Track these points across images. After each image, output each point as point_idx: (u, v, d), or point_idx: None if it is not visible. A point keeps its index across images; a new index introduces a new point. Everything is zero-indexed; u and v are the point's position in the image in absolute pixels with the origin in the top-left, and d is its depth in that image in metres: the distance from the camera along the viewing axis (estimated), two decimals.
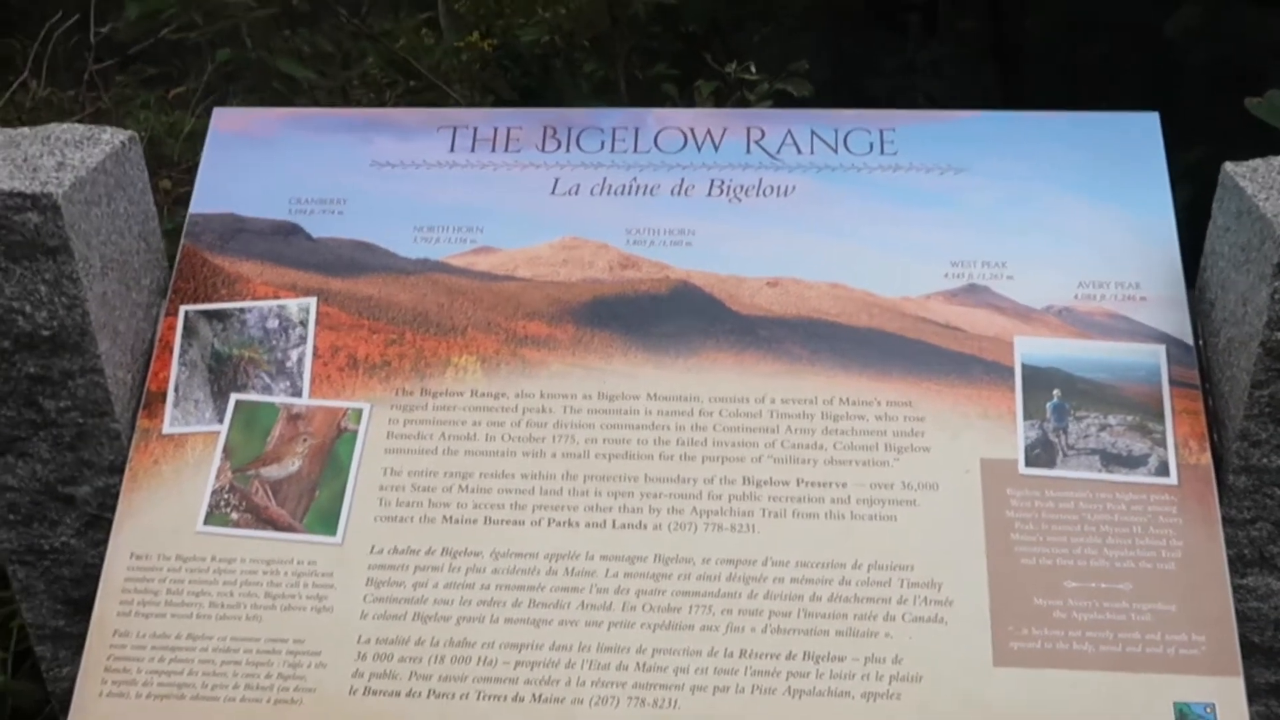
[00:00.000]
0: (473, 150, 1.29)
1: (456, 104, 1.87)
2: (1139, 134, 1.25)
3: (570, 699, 1.06)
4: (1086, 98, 1.48)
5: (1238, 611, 1.14)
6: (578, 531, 1.11)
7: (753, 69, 1.50)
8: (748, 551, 1.10)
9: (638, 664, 1.06)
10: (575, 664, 1.07)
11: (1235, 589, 1.15)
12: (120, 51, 3.41)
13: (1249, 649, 1.19)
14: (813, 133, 1.28)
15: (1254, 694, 1.23)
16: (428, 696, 1.06)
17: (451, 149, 1.30)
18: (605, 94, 1.71)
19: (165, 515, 1.15)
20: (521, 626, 1.08)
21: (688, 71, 1.66)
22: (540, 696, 1.06)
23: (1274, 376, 1.06)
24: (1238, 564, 1.15)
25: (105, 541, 1.18)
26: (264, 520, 1.14)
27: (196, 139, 2.52)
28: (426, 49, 1.90)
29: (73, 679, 1.29)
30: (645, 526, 1.11)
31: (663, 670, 1.06)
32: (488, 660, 1.07)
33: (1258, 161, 1.13)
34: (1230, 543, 1.13)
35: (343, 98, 1.96)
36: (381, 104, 2.12)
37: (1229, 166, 1.13)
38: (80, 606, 1.27)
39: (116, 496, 1.18)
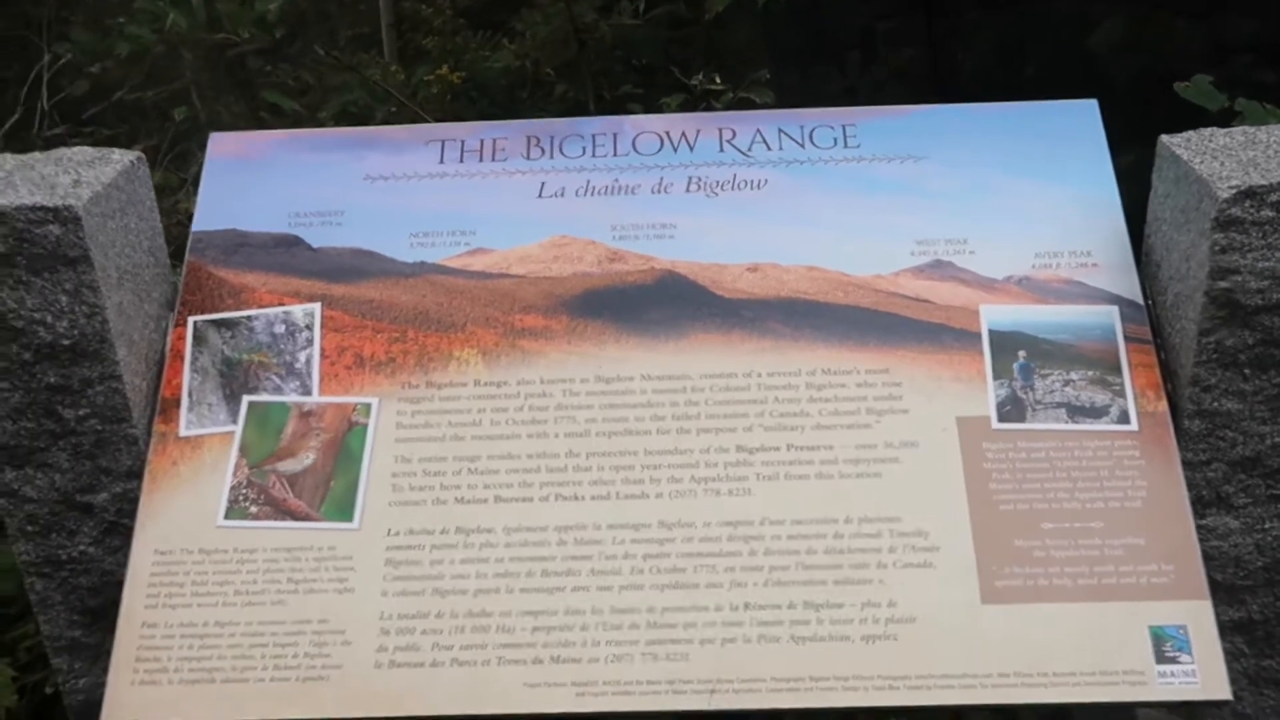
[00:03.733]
0: (461, 161, 1.37)
1: None
2: (1080, 119, 1.36)
3: (587, 659, 1.11)
4: None
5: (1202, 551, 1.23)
6: (584, 504, 1.18)
7: (717, 79, 1.59)
8: (745, 513, 1.16)
9: (648, 622, 1.12)
10: (589, 626, 1.13)
11: (1196, 529, 1.23)
12: (73, 118, 3.47)
13: (1212, 587, 1.27)
14: (780, 130, 1.37)
15: (1220, 631, 1.31)
16: (450, 665, 1.12)
17: (441, 161, 1.37)
18: (575, 115, 1.80)
19: (186, 512, 1.20)
20: (536, 595, 1.14)
21: (650, 91, 1.76)
22: (558, 658, 1.11)
23: (1219, 324, 1.15)
24: (1197, 505, 1.24)
25: (122, 548, 1.23)
26: (283, 511, 1.19)
27: (166, 192, 2.58)
28: (398, 83, 1.98)
29: (89, 690, 1.34)
30: (647, 496, 1.18)
31: (672, 627, 1.12)
32: (506, 628, 1.13)
33: (1190, 133, 1.23)
34: (1189, 485, 1.22)
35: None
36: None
37: (1165, 138, 1.23)
38: (98, 615, 1.30)
39: (134, 502, 1.22)
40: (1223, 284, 1.13)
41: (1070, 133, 1.35)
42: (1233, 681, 1.31)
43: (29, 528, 1.27)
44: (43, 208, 1.12)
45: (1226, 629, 1.30)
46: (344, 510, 1.19)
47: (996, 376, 1.22)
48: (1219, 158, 1.16)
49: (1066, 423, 1.19)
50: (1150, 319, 1.25)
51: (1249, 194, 1.10)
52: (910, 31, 2.76)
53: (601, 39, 1.72)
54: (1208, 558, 1.24)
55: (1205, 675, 1.09)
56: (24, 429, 1.22)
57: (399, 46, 1.94)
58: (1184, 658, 1.09)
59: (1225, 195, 1.10)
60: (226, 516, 1.19)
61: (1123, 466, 1.17)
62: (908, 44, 2.78)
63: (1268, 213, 1.10)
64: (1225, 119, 1.45)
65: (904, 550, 1.14)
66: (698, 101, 1.60)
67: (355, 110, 1.96)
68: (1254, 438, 1.20)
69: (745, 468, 1.18)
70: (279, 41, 2.10)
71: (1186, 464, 1.21)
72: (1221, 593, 1.28)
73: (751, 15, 2.25)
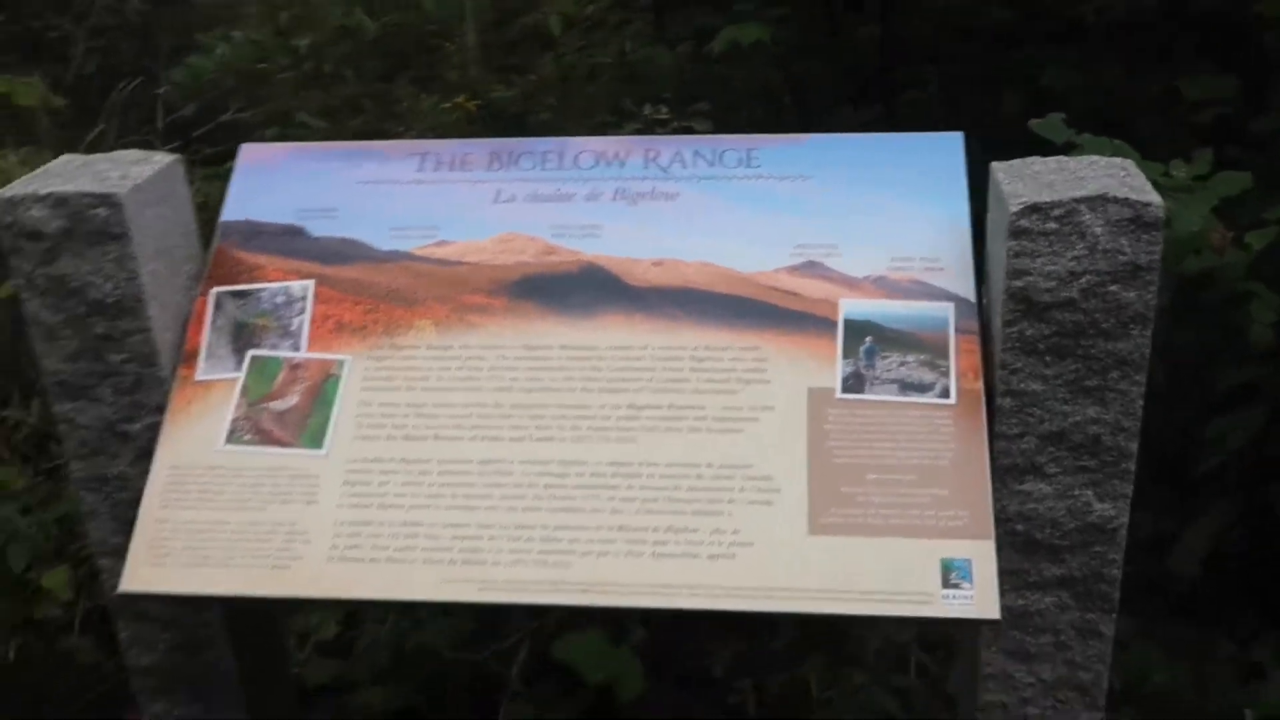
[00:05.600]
0: (435, 170, 1.68)
1: None
2: (946, 150, 1.61)
3: (490, 562, 1.41)
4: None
5: (1021, 514, 1.48)
6: (502, 444, 1.47)
7: (664, 110, 1.89)
8: (628, 456, 1.45)
9: (542, 537, 1.41)
10: (496, 538, 1.42)
11: (1015, 494, 1.48)
12: (184, 134, 3.91)
13: (1034, 546, 1.51)
14: (695, 152, 1.66)
15: (1044, 586, 1.54)
16: (385, 562, 1.42)
17: (420, 169, 1.69)
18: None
19: (196, 438, 1.52)
20: (456, 512, 1.44)
21: (621, 119, 2.06)
22: (469, 561, 1.41)
23: (1019, 317, 1.40)
24: (1014, 472, 1.48)
25: None
26: (270, 440, 1.51)
27: None
28: (420, 110, 2.32)
29: None
30: (553, 440, 1.47)
31: (559, 541, 1.41)
32: (431, 536, 1.43)
33: (1015, 160, 1.49)
34: (1005, 454, 1.46)
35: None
36: None
37: (993, 165, 1.49)
38: (132, 526, 1.64)
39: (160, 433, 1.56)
40: (1018, 283, 1.38)
41: (935, 160, 1.60)
42: (1060, 633, 1.56)
43: (81, 450, 1.61)
44: (94, 194, 1.46)
45: (1051, 583, 1.54)
46: (316, 441, 1.50)
47: (845, 356, 1.48)
48: (1026, 180, 1.42)
49: (897, 395, 1.45)
50: (980, 315, 1.50)
51: (1035, 209, 1.35)
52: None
53: (582, 76, 2.03)
54: (1027, 519, 1.49)
55: (981, 599, 1.34)
56: (79, 369, 1.56)
57: (424, 76, 2.27)
58: (966, 585, 1.35)
59: (1015, 209, 1.35)
60: (227, 442, 1.52)
61: (938, 433, 1.43)
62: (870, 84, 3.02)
63: (1052, 225, 1.35)
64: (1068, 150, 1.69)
65: (751, 490, 1.41)
66: (651, 128, 1.90)
67: (371, 129, 2.30)
68: (1058, 415, 1.44)
69: (633, 421, 1.47)
70: (343, 69, 2.45)
71: (1002, 436, 1.46)
72: (1043, 551, 1.51)
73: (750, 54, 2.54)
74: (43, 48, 4.72)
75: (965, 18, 2.61)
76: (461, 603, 1.40)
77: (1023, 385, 1.44)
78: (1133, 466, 1.46)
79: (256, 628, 1.79)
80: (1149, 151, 1.83)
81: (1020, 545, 1.50)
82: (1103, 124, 2.02)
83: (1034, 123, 1.65)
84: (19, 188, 1.49)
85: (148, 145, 3.52)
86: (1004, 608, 1.52)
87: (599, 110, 2.11)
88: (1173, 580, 2.27)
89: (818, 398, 1.46)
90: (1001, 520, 1.48)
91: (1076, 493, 1.48)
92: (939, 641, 2.20)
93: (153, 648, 1.71)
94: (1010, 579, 1.52)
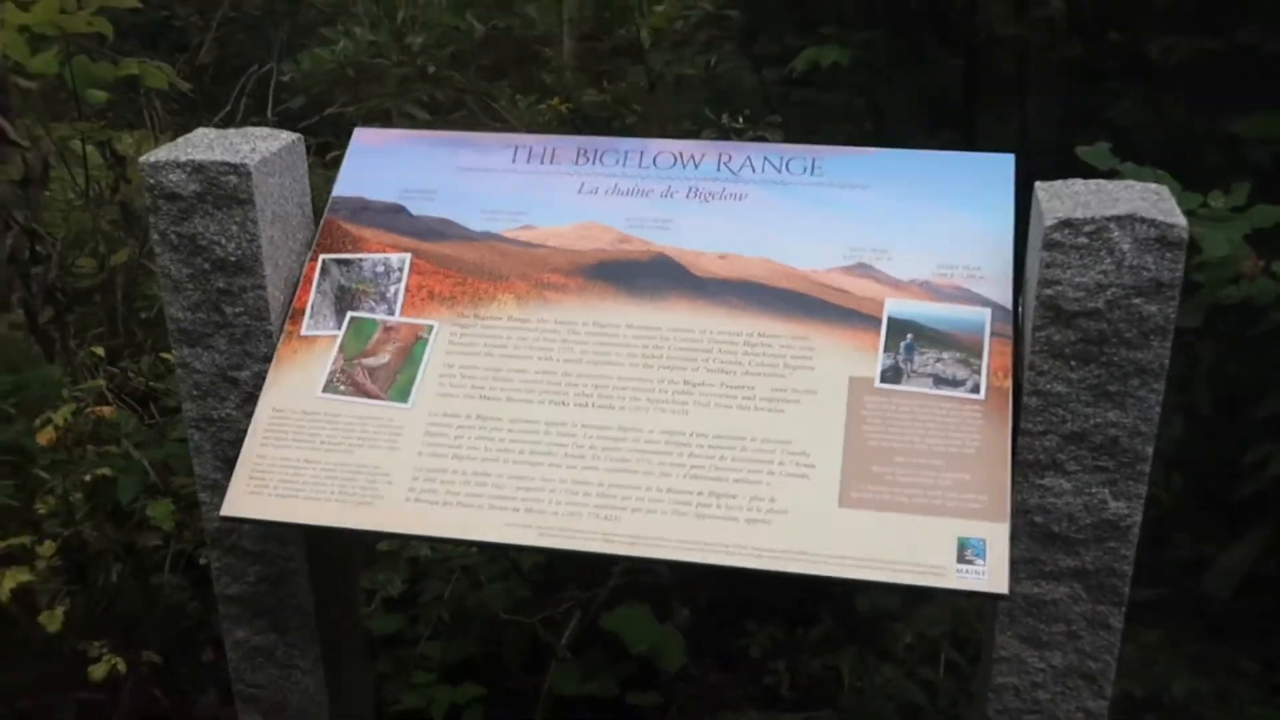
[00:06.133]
0: (527, 162, 1.85)
1: None
2: (997, 169, 1.73)
3: (550, 512, 1.56)
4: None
5: (1040, 506, 1.60)
6: (568, 409, 1.63)
7: (740, 119, 2.03)
8: (681, 427, 1.60)
9: (597, 493, 1.57)
10: (556, 491, 1.58)
11: (1036, 487, 1.60)
12: (291, 125, 4.16)
13: (1051, 538, 1.63)
14: (765, 158, 1.80)
15: (1059, 576, 1.65)
16: (456, 506, 1.59)
17: (513, 161, 1.86)
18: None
19: (297, 386, 1.71)
20: (523, 466, 1.60)
21: (702, 125, 2.21)
22: (530, 509, 1.57)
23: (1048, 323, 1.52)
24: (1036, 467, 1.60)
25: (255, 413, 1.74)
26: (362, 392, 1.69)
27: None
28: (517, 110, 2.50)
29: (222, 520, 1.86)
30: (613, 408, 1.62)
31: (612, 497, 1.56)
32: (498, 485, 1.59)
33: (1059, 181, 1.61)
34: (1029, 449, 1.58)
35: None
36: None
37: (1038, 184, 1.61)
38: (231, 464, 1.82)
39: (265, 378, 1.74)
40: (1048, 292, 1.51)
41: (987, 178, 1.73)
42: (1071, 623, 1.67)
43: (194, 392, 1.81)
44: (226, 163, 1.66)
45: (1066, 574, 1.65)
46: (403, 395, 1.68)
47: (886, 350, 1.61)
48: (1064, 199, 1.54)
49: (931, 388, 1.58)
50: (1015, 320, 1.62)
51: (1067, 224, 1.47)
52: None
53: (667, 87, 2.19)
54: (1046, 512, 1.61)
55: (992, 575, 1.46)
56: (198, 319, 1.76)
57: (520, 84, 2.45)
58: (979, 562, 1.47)
59: (1049, 223, 1.48)
60: (323, 391, 1.70)
61: (966, 424, 1.55)
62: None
63: (1083, 240, 1.48)
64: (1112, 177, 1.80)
65: (789, 464, 1.55)
66: (726, 134, 2.04)
67: (470, 125, 2.47)
68: (1080, 417, 1.56)
69: (687, 396, 1.62)
70: (440, 67, 2.66)
71: (1027, 432, 1.58)
72: (1060, 543, 1.63)
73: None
74: (162, 36, 5.03)
75: (1043, 51, 2.73)
76: (522, 546, 1.56)
77: (1049, 386, 1.55)
78: (1147, 469, 1.57)
79: (333, 570, 1.96)
80: (1207, 187, 1.93)
81: (1038, 536, 1.62)
82: (1166, 158, 2.12)
83: (1081, 150, 1.77)
84: (162, 154, 1.69)
85: None
86: (1020, 595, 1.65)
87: (681, 119, 2.26)
88: (1207, 601, 2.35)
89: (857, 385, 1.59)
90: (1021, 511, 1.60)
91: (1093, 490, 1.59)
92: (969, 639, 2.30)
93: (241, 578, 1.89)
94: (1026, 567, 1.64)
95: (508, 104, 2.45)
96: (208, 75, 4.49)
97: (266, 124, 4.02)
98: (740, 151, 1.83)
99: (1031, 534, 1.62)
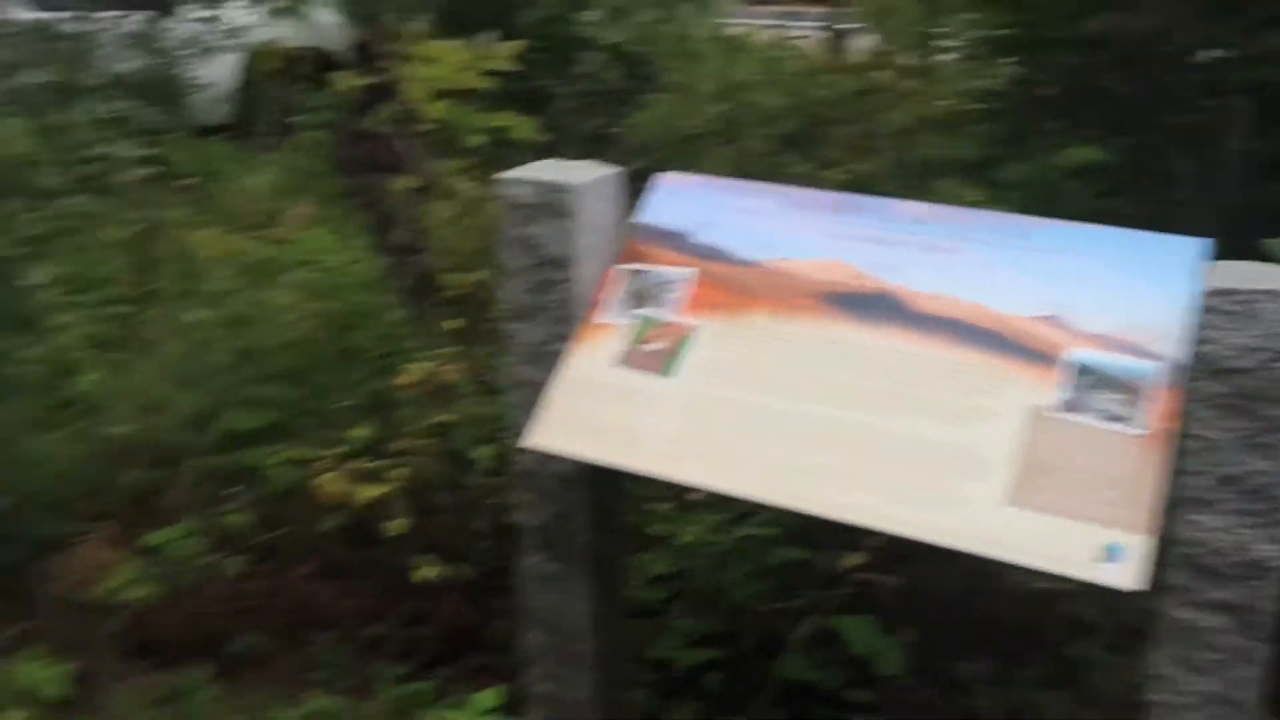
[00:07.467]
0: (792, 209, 2.29)
1: None
2: (1189, 249, 2.03)
3: (783, 478, 1.97)
4: None
5: (1192, 540, 1.88)
6: (801, 403, 2.04)
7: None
8: (885, 427, 1.98)
9: (818, 469, 1.97)
10: (789, 463, 1.99)
11: (1189, 523, 1.87)
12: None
13: (1198, 569, 1.90)
14: (988, 225, 2.17)
15: (1210, 607, 1.91)
16: (707, 461, 2.02)
17: (780, 207, 2.30)
18: None
19: (593, 360, 2.20)
20: (766, 442, 2.02)
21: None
22: (769, 475, 1.98)
23: (1203, 376, 1.81)
24: (1191, 504, 1.87)
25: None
26: (643, 368, 2.16)
27: None
28: (798, 175, 2.94)
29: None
30: (835, 405, 2.02)
31: (828, 474, 1.95)
32: (744, 454, 2.01)
33: (1237, 262, 1.89)
34: (1186, 488, 1.86)
35: None
36: None
37: (1215, 264, 1.90)
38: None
39: (569, 352, 2.24)
40: (1205, 349, 1.81)
41: (1178, 257, 2.03)
42: (1220, 651, 1.91)
43: (519, 359, 2.33)
44: (558, 184, 2.18)
45: (1213, 606, 1.90)
46: (671, 373, 2.14)
47: (1064, 386, 1.94)
48: (1232, 276, 1.83)
49: (1100, 421, 1.90)
50: (1186, 375, 1.91)
51: (1222, 292, 1.78)
52: None
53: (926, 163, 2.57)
54: (1194, 545, 1.88)
55: (1130, 576, 1.76)
56: (526, 300, 2.28)
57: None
58: (1120, 563, 1.77)
59: (1206, 290, 1.78)
60: (612, 365, 2.18)
61: (1127, 454, 1.85)
62: None
63: (1236, 307, 1.77)
64: None
65: (971, 466, 1.90)
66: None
67: None
68: (1234, 464, 1.84)
69: (893, 402, 2.00)
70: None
71: (1184, 472, 1.86)
72: (1206, 574, 1.90)
73: None
74: (531, 101, 5.85)
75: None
76: (761, 502, 1.98)
77: (1205, 433, 1.84)
78: None
79: (608, 515, 2.42)
80: None
81: (1189, 567, 1.89)
82: None
83: (1266, 241, 2.04)
84: (516, 173, 2.24)
85: None
86: (1174, 619, 1.91)
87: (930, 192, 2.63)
88: None
89: (1037, 412, 1.93)
90: (1175, 542, 1.88)
91: (1240, 531, 1.86)
92: None
93: (537, 511, 2.39)
94: (1179, 594, 1.91)
95: (792, 169, 2.89)
96: (563, 133, 5.21)
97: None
98: (967, 215, 2.20)
99: (1184, 565, 1.89)
